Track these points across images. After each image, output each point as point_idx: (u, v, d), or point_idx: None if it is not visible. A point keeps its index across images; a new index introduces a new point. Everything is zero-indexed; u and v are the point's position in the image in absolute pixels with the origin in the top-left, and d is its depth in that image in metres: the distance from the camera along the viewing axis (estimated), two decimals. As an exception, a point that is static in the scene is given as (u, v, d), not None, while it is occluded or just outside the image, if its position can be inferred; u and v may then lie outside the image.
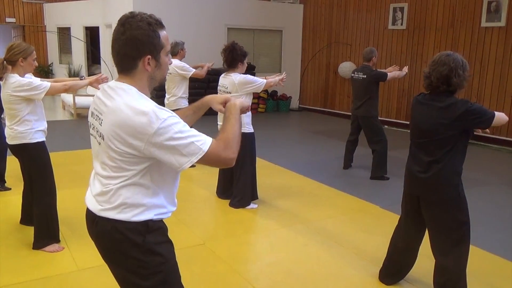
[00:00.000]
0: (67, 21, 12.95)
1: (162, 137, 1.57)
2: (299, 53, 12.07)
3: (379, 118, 5.88)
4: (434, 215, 2.83)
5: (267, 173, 5.86)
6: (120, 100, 1.65)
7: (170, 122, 1.58)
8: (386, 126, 9.67)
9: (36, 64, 3.63)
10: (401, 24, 9.45)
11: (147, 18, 1.70)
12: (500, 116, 2.72)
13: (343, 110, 10.96)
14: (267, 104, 11.44)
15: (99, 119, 1.72)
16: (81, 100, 9.82)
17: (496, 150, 7.68)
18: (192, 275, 3.17)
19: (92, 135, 1.81)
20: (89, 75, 12.68)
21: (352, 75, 5.88)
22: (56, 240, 3.62)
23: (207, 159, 1.63)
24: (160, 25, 1.73)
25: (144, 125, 1.58)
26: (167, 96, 6.06)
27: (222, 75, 4.56)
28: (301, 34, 11.96)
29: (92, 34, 13.01)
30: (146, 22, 1.68)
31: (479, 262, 3.50)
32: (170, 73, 5.88)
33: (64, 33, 13.24)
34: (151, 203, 1.76)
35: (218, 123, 4.60)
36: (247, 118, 4.48)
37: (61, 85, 3.41)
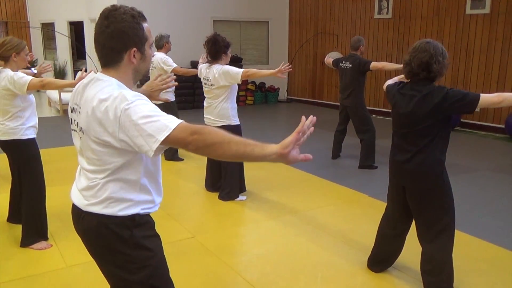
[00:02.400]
0: (51, 16, 12.76)
1: (129, 118, 1.54)
2: (286, 44, 12.05)
3: (367, 107, 5.90)
4: (419, 204, 2.85)
5: (255, 165, 5.84)
6: (94, 91, 1.66)
7: (137, 103, 1.56)
8: (374, 116, 9.72)
9: (29, 58, 3.62)
10: (387, 13, 9.46)
11: (131, 11, 1.71)
12: (489, 98, 2.59)
13: (331, 100, 10.97)
14: (255, 96, 11.42)
15: (78, 112, 1.71)
16: (67, 96, 9.71)
17: (482, 137, 7.76)
18: (181, 269, 3.17)
19: (73, 130, 1.80)
20: (74, 71, 12.56)
21: (340, 64, 5.87)
22: (44, 237, 3.59)
23: (173, 139, 1.52)
24: (143, 18, 1.75)
25: (108, 110, 1.57)
26: None
27: (206, 66, 4.53)
28: (288, 25, 11.93)
29: (76, 29, 12.86)
30: (130, 15, 1.69)
31: (466, 248, 3.54)
32: (154, 67, 5.83)
33: (48, 29, 13.06)
34: (138, 197, 1.76)
35: (205, 116, 4.58)
36: (232, 110, 4.46)
37: (38, 80, 3.37)
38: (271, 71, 4.44)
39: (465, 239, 3.69)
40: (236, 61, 10.76)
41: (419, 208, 2.86)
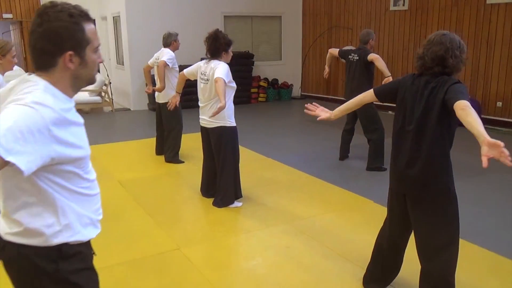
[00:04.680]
0: (64, 15, 12.73)
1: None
2: (299, 39, 11.68)
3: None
4: (421, 215, 2.54)
5: (258, 167, 5.59)
6: (15, 95, 1.41)
7: (17, 107, 1.32)
8: (390, 112, 9.33)
9: (16, 61, 3.48)
10: (403, 5, 9.02)
11: (69, 9, 1.46)
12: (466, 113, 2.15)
13: (343, 95, 10.58)
14: (268, 93, 11.12)
15: None
16: (75, 96, 9.61)
17: (506, 134, 7.28)
18: (158, 285, 2.94)
19: None
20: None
21: (349, 56, 5.56)
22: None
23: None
24: (86, 17, 1.50)
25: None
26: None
27: (204, 61, 4.28)
28: (301, 19, 11.57)
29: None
30: (67, 13, 1.44)
31: (473, 260, 3.20)
32: (157, 63, 5.62)
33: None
34: (63, 223, 1.51)
35: (200, 116, 4.33)
36: (228, 110, 4.18)
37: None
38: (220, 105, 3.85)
39: (472, 250, 3.34)
40: (247, 57, 10.50)
41: (420, 219, 2.55)
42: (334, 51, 5.84)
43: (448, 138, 2.43)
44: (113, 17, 10.44)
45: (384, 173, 5.33)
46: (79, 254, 1.58)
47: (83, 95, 9.72)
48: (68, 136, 1.42)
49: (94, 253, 1.68)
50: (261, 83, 10.97)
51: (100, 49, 1.57)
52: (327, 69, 6.00)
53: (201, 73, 4.24)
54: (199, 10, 10.21)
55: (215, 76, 3.95)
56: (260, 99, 11.01)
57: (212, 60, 4.16)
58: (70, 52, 1.45)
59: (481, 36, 7.80)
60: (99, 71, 11.14)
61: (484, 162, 1.84)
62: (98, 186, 1.64)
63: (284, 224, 3.93)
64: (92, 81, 1.58)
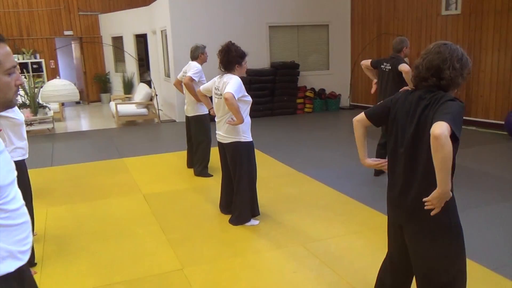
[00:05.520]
0: (119, 30, 13.24)
1: None
2: (347, 47, 11.33)
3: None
4: (418, 250, 2.25)
5: (285, 182, 5.39)
6: None
7: None
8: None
9: None
10: (456, 9, 8.46)
11: None
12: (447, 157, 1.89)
13: (396, 106, 10.10)
14: (314, 103, 10.85)
15: None
16: (123, 108, 9.92)
17: None
18: (149, 310, 2.84)
19: None
20: (140, 82, 12.84)
21: (381, 66, 5.27)
22: (31, 264, 3.46)
23: None
24: None
25: None
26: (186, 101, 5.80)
27: (218, 76, 4.18)
28: (350, 27, 11.22)
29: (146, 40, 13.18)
30: None
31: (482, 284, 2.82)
32: (185, 76, 5.62)
33: (118, 42, 13.57)
34: None
35: (216, 132, 4.23)
36: (243, 126, 4.04)
37: None
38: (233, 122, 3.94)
39: (482, 273, 2.95)
40: (293, 68, 10.32)
41: (418, 255, 2.26)
42: (366, 62, 5.56)
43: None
44: (161, 31, 10.68)
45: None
46: (6, 281, 1.49)
47: (130, 108, 10.00)
48: None
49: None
50: (307, 94, 10.74)
51: (16, 70, 1.49)
52: (374, 86, 5.68)
53: (215, 88, 4.14)
54: (244, 22, 10.19)
55: (224, 92, 3.84)
56: (306, 109, 10.77)
57: (225, 74, 4.06)
58: None
59: (542, 40, 7.12)
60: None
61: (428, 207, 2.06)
62: (26, 213, 1.56)
63: (297, 246, 3.71)
64: (9, 104, 1.50)
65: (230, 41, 4.14)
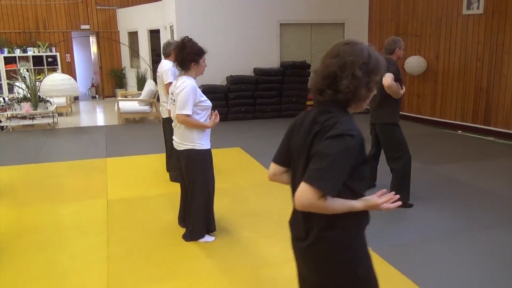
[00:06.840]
0: (135, 25, 13.07)
1: None
2: (365, 48, 10.70)
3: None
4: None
5: (264, 193, 4.92)
6: None
7: None
8: (459, 132, 8.08)
9: None
10: (478, 8, 7.75)
11: None
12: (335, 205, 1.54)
13: (412, 112, 9.45)
14: (326, 106, 10.30)
15: None
16: (125, 105, 9.68)
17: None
18: None
19: None
20: (153, 79, 12.60)
21: None
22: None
23: None
24: None
25: None
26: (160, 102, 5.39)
27: (176, 77, 3.77)
28: (367, 27, 10.60)
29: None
30: None
31: None
32: (159, 77, 5.21)
33: (134, 37, 13.40)
34: None
35: (173, 137, 3.81)
36: (199, 132, 3.61)
37: None
38: (204, 123, 3.62)
39: None
40: (302, 68, 9.82)
41: None
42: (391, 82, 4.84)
43: (353, 193, 1.63)
44: (170, 26, 10.39)
45: (407, 212, 4.40)
46: None
47: (133, 105, 9.75)
48: None
49: None
50: (309, 103, 10.20)
51: None
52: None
53: (171, 93, 3.72)
54: (254, 19, 9.77)
55: (175, 113, 3.52)
56: (316, 113, 10.23)
57: (180, 77, 3.63)
58: None
59: None
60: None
61: None
62: None
63: (246, 271, 3.26)
64: None
65: (187, 36, 3.70)
